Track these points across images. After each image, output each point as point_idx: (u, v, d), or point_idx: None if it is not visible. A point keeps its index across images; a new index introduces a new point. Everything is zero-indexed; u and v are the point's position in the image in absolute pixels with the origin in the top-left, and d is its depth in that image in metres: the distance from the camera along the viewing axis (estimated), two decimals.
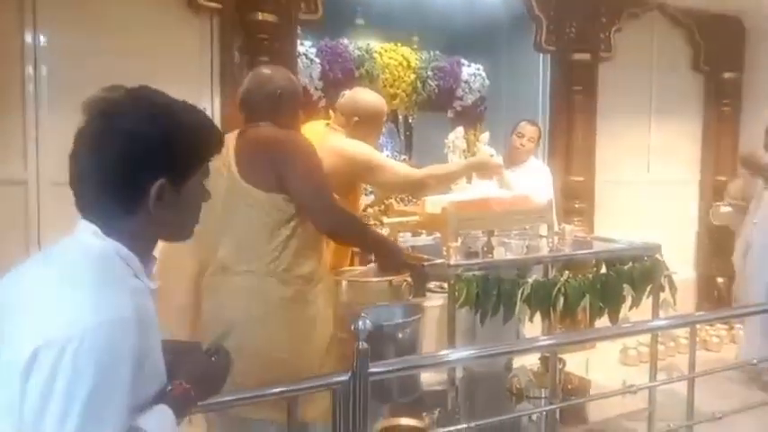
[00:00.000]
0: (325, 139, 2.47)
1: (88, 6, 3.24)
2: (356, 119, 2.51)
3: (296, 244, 1.99)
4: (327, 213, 1.98)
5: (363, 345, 1.51)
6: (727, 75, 5.25)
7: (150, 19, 3.37)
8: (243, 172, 1.98)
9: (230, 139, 2.03)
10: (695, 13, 5.07)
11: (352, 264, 2.98)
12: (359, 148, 2.44)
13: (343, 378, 1.52)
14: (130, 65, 3.33)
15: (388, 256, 2.25)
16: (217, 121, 3.54)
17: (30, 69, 3.15)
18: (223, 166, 1.98)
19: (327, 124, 2.65)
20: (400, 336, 2.27)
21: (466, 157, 3.14)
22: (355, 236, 2.17)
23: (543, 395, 3.06)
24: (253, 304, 1.96)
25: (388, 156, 4.99)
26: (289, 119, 2.09)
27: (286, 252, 1.97)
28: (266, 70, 2.18)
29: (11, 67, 3.12)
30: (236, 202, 1.97)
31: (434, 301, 3.99)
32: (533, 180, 3.82)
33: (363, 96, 2.60)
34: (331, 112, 2.76)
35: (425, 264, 2.61)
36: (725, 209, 4.24)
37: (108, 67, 3.28)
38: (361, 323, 1.50)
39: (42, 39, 3.17)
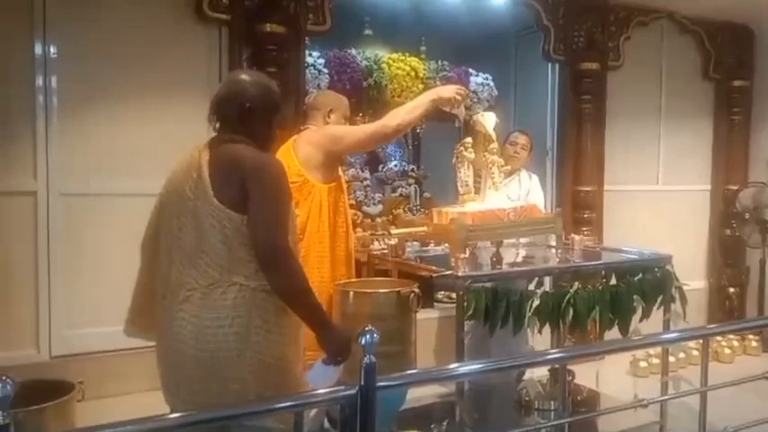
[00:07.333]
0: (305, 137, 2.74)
1: (98, 18, 3.27)
2: (330, 109, 2.84)
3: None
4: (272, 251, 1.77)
5: (371, 359, 1.50)
6: (737, 83, 5.21)
7: (159, 30, 3.39)
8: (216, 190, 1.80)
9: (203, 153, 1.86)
10: (704, 21, 5.04)
11: (359, 275, 2.98)
12: (330, 127, 2.78)
13: (351, 392, 1.51)
14: (140, 75, 3.36)
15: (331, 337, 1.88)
16: None
17: (39, 80, 3.18)
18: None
19: (306, 128, 2.83)
20: None
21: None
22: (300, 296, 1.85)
23: (552, 407, 3.03)
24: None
25: (395, 164, 5.02)
26: (258, 135, 1.91)
27: None
28: (244, 76, 2.00)
29: (21, 77, 3.15)
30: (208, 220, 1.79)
31: (432, 314, 3.98)
32: (535, 190, 3.83)
33: (329, 91, 3.29)
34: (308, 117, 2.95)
35: (434, 276, 2.61)
36: None
37: (117, 77, 3.32)
38: (368, 337, 1.50)
39: (53, 50, 3.20)
